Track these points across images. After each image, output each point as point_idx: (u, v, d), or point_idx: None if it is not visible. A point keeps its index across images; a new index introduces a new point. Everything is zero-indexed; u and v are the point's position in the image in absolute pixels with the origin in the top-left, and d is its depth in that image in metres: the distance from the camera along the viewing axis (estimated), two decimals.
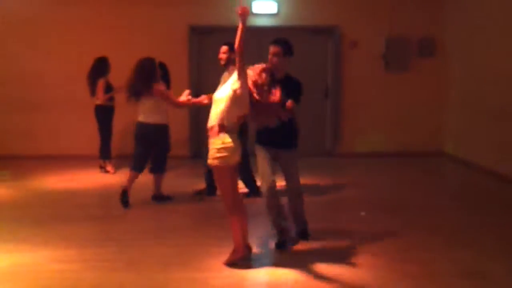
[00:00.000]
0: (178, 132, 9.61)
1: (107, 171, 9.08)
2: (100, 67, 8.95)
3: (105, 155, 9.15)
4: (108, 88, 8.93)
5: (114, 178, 8.71)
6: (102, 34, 10.26)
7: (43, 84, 10.31)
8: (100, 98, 8.88)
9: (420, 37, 10.68)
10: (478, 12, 9.55)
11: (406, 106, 10.82)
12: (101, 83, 8.85)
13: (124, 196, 7.00)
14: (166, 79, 8.91)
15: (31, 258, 5.13)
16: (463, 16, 10.12)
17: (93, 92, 8.94)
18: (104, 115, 9.05)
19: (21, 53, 10.22)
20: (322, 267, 4.92)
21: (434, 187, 8.44)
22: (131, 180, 7.09)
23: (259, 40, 10.62)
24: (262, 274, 4.85)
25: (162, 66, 9.02)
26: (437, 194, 7.94)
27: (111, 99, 9.01)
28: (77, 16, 10.24)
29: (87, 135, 10.04)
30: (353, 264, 5.01)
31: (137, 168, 7.08)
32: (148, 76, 6.88)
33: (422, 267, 4.96)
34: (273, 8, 10.47)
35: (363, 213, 6.73)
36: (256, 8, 10.39)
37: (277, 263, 5.04)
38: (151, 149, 7.11)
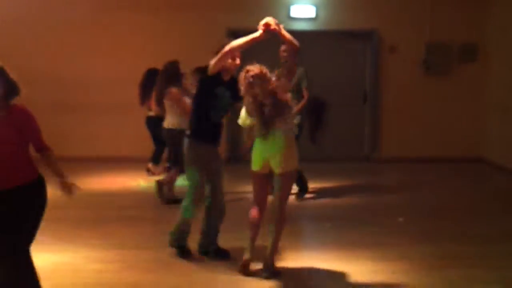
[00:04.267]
0: None
1: (153, 174, 9.09)
2: (154, 79, 8.86)
3: (155, 160, 9.12)
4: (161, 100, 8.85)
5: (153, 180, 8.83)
6: (144, 38, 10.39)
7: (86, 86, 10.45)
8: (154, 110, 8.71)
9: (462, 42, 10.50)
10: None
11: (446, 112, 10.65)
12: (153, 95, 8.79)
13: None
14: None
15: (70, 258, 5.23)
16: (505, 21, 9.91)
17: (143, 102, 8.86)
18: (155, 126, 8.94)
19: (70, 58, 10.41)
20: (361, 272, 4.88)
21: (473, 194, 8.29)
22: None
23: None
24: (298, 276, 4.84)
25: (204, 71, 8.97)
26: (476, 201, 7.80)
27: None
28: (123, 21, 10.39)
29: (127, 137, 10.21)
30: (390, 269, 4.97)
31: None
32: (168, 79, 7.13)
33: (460, 273, 4.89)
34: (311, 13, 10.44)
35: (401, 219, 6.65)
36: (294, 12, 10.39)
37: (313, 268, 5.02)
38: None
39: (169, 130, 7.29)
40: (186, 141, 5.12)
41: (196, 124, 5.06)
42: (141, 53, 10.22)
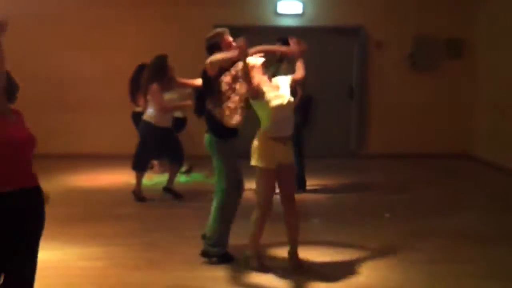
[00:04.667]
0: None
1: (155, 171, 9.11)
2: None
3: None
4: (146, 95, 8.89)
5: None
6: (130, 34, 10.36)
7: (74, 83, 10.39)
8: (141, 105, 8.82)
9: (448, 37, 10.56)
10: (507, 12, 9.42)
11: (433, 108, 10.71)
12: (142, 91, 8.81)
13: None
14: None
15: (57, 256, 5.20)
16: (492, 17, 9.99)
17: (133, 98, 8.88)
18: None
19: (57, 53, 10.33)
20: (348, 269, 4.90)
21: (461, 190, 8.32)
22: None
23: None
24: (289, 272, 4.84)
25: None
26: (464, 197, 7.84)
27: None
28: (110, 16, 10.33)
29: (115, 134, 10.18)
30: (379, 266, 4.99)
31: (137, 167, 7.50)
32: (153, 73, 7.08)
33: (449, 268, 4.93)
34: (298, 9, 10.45)
35: (387, 215, 6.69)
36: (281, 8, 10.39)
37: (302, 264, 5.03)
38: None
39: (145, 122, 7.30)
40: (221, 142, 4.97)
41: (218, 125, 4.91)
42: (128, 50, 10.21)
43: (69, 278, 4.69)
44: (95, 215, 6.64)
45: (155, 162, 9.16)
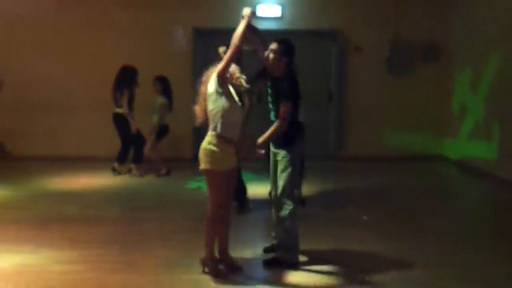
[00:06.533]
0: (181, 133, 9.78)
1: (119, 173, 9.08)
2: (127, 77, 8.92)
3: (121, 159, 9.16)
4: (130, 99, 8.92)
5: (119, 180, 8.77)
6: (108, 36, 10.28)
7: (53, 86, 10.27)
8: (124, 109, 8.86)
9: (425, 42, 10.67)
10: (482, 18, 9.54)
11: (409, 111, 10.81)
12: (126, 95, 8.82)
13: None
14: (167, 92, 8.98)
15: (34, 259, 5.14)
16: (466, 21, 10.11)
17: (116, 100, 8.89)
18: (121, 123, 9.04)
19: (33, 56, 10.21)
20: (327, 270, 4.92)
21: (437, 192, 8.43)
22: None
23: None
24: (271, 276, 4.84)
25: (163, 79, 9.07)
26: (441, 199, 7.93)
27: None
28: (87, 18, 10.26)
29: (90, 137, 10.12)
30: (357, 267, 5.01)
31: None
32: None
33: (426, 271, 4.96)
34: (277, 12, 10.48)
35: (365, 217, 6.72)
36: (260, 11, 10.40)
37: (283, 267, 5.04)
38: None
39: None
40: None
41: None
42: (107, 52, 10.17)
43: (45, 281, 4.63)
44: (72, 218, 6.57)
45: (133, 166, 9.13)
